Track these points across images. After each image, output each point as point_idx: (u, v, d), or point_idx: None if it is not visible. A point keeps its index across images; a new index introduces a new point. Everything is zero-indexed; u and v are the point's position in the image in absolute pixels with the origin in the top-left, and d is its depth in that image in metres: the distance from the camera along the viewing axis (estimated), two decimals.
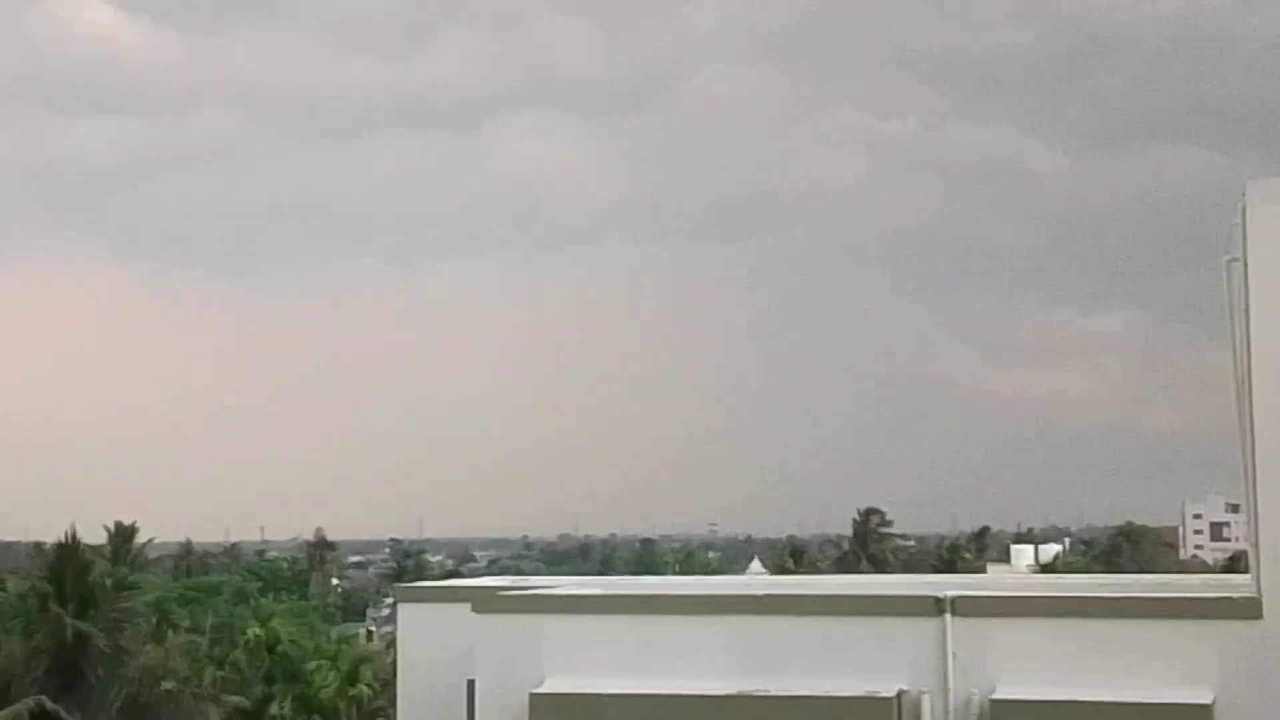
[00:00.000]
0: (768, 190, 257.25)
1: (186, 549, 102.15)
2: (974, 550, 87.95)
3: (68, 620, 34.84)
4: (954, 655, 11.31)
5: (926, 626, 11.40)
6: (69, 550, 36.56)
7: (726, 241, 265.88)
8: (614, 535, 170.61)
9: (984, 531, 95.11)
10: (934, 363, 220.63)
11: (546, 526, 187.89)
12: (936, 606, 11.51)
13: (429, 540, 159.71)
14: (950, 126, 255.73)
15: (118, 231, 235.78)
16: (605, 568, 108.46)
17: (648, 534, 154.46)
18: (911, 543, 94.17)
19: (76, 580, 35.97)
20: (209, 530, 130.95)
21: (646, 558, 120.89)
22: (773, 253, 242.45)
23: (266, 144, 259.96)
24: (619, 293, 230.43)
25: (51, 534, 37.76)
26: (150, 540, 73.02)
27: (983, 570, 55.98)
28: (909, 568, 74.78)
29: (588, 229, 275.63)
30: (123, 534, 60.37)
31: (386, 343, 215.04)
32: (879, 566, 73.01)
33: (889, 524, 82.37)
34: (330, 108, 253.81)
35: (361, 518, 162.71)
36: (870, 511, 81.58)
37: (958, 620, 11.43)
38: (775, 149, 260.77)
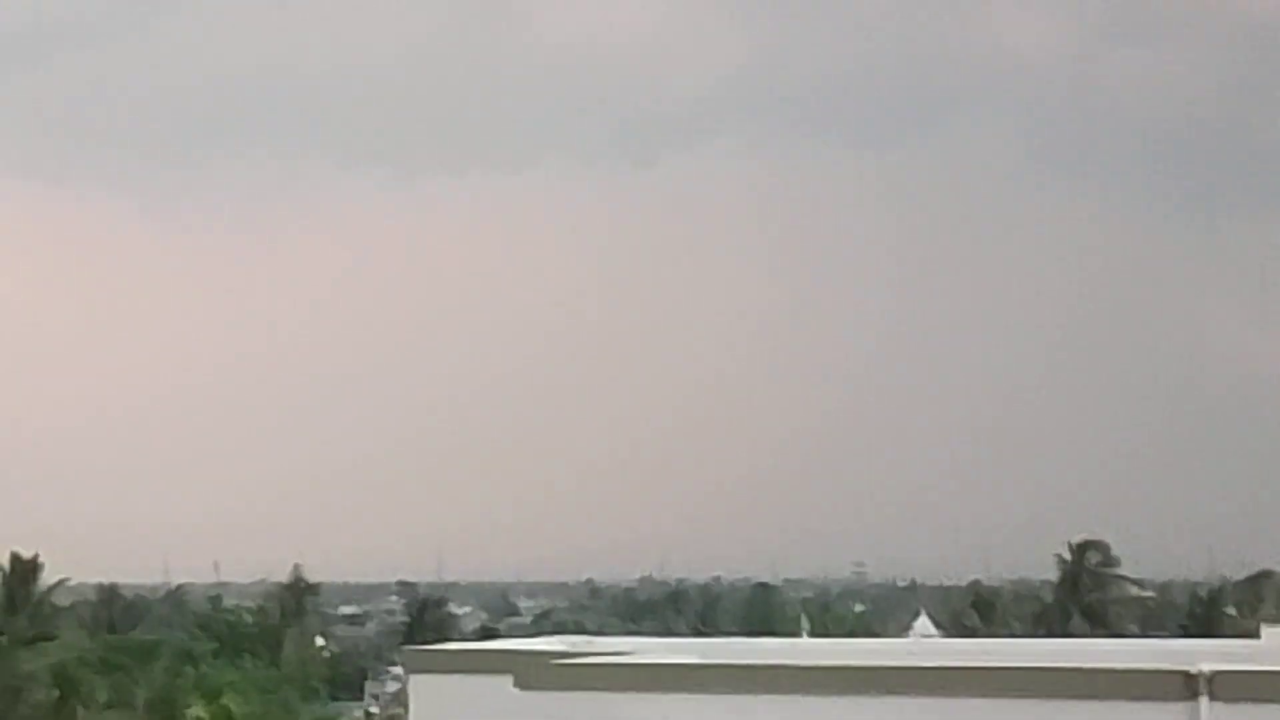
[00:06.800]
0: (938, 66, 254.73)
1: (110, 593, 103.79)
2: (1246, 604, 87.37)
3: None
4: None
5: (1172, 714, 11.38)
6: None
7: (880, 143, 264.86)
8: (718, 579, 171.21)
9: (1260, 578, 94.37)
10: (1193, 327, 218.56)
11: (620, 566, 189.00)
12: (1187, 686, 11.47)
13: (453, 585, 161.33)
14: None
15: None
16: (705, 625, 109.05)
17: (766, 577, 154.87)
18: (1149, 592, 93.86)
19: None
20: (142, 568, 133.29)
21: (764, 610, 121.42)
22: (947, 159, 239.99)
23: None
24: (727, 221, 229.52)
25: None
26: (60, 582, 74.37)
27: (1255, 635, 55.71)
28: (1145, 628, 74.38)
29: (681, 124, 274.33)
30: (21, 572, 61.54)
31: (387, 298, 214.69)
32: (1100, 625, 73.16)
33: (1114, 564, 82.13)
34: None
35: (358, 552, 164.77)
36: (1087, 546, 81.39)
37: (1218, 705, 11.40)
38: (951, 7, 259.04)
